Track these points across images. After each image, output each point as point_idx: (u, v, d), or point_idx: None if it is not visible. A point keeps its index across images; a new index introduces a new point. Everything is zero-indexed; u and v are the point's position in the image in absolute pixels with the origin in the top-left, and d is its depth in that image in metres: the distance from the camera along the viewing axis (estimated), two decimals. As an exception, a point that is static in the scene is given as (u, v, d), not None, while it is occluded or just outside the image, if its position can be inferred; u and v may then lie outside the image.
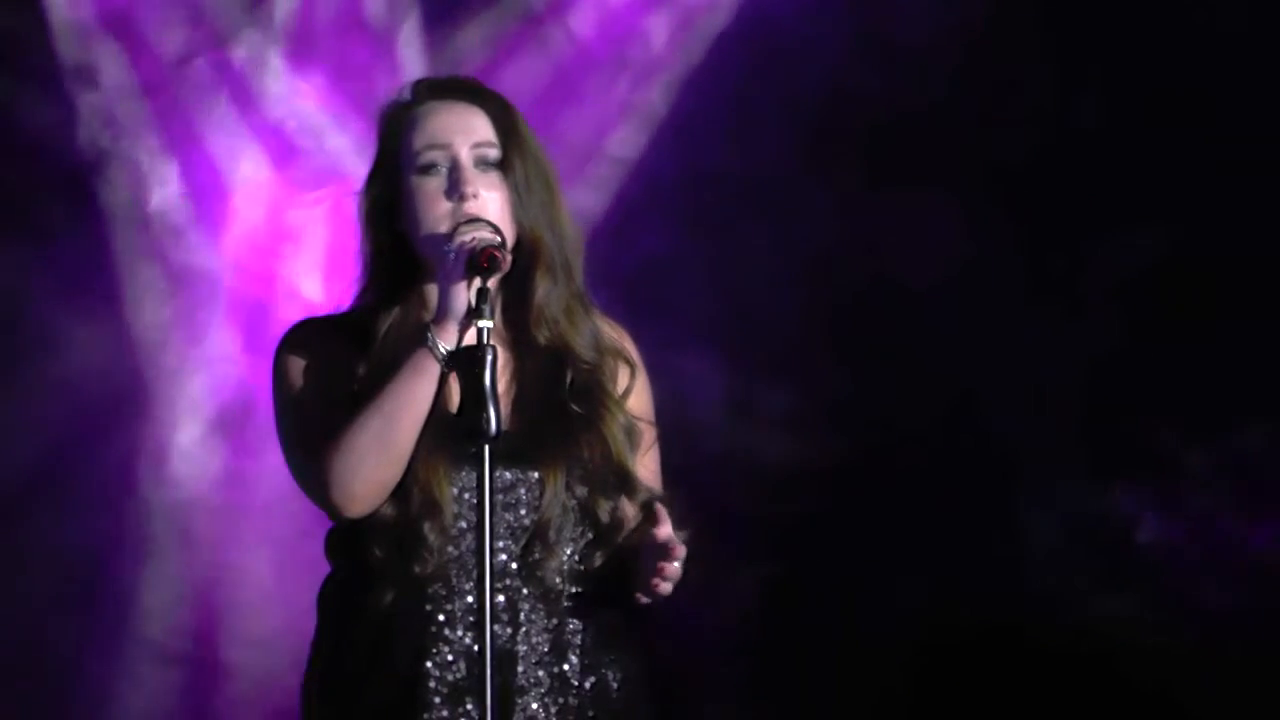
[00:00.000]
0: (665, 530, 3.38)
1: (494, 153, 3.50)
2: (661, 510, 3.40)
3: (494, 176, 3.49)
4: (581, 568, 3.48)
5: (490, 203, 3.47)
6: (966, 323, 5.86)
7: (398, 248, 3.51)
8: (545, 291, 3.51)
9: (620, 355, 3.58)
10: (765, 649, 5.97)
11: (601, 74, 6.08)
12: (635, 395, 3.57)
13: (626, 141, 6.07)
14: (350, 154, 6.00)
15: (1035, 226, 5.88)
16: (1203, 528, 5.85)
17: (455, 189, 3.46)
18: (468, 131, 3.51)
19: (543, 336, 3.51)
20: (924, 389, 5.88)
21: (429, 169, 3.49)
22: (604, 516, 3.48)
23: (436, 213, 3.46)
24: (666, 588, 3.39)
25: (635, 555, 3.44)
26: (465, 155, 3.48)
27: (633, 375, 3.57)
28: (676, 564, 3.37)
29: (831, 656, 5.95)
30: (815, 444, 5.87)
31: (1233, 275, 5.77)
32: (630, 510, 3.52)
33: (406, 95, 3.58)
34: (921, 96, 5.88)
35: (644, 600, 3.43)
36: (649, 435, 3.58)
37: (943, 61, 5.88)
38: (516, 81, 5.94)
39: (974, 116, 5.89)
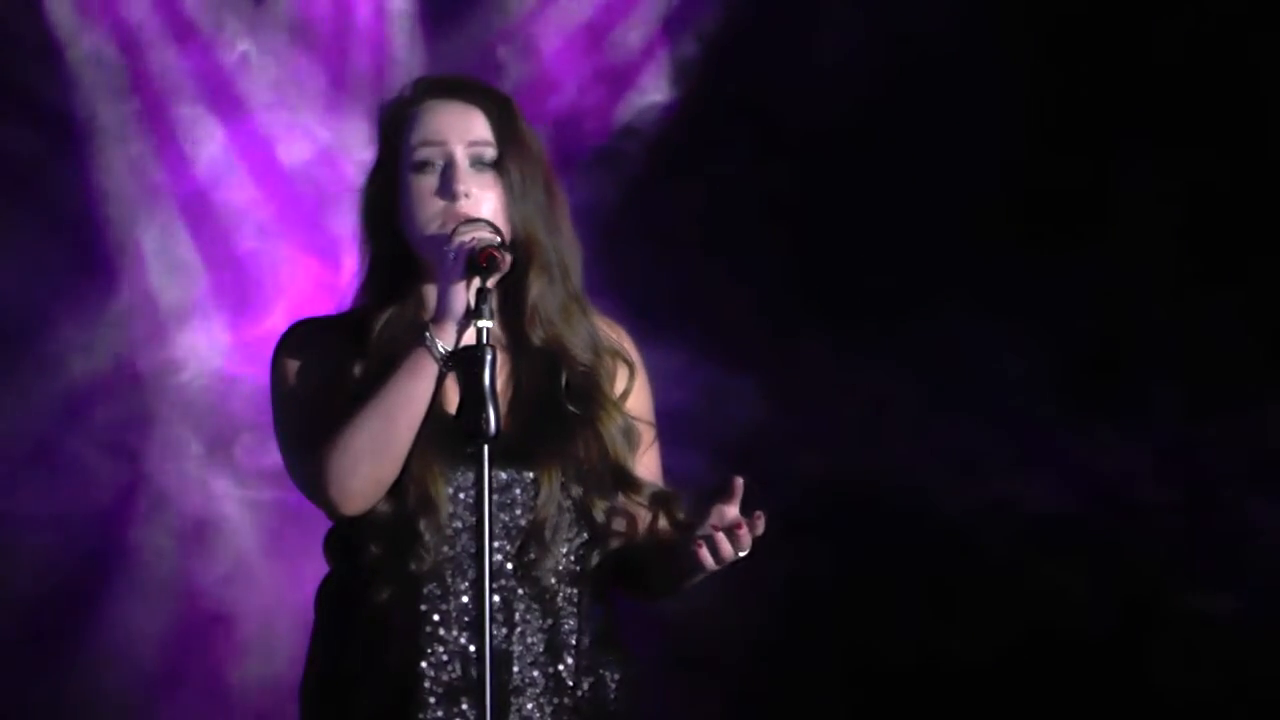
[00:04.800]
0: (732, 511, 3.33)
1: (490, 152, 3.49)
2: (739, 486, 3.34)
3: (489, 176, 3.48)
4: (577, 568, 3.48)
5: (483, 202, 3.46)
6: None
7: (396, 246, 3.50)
8: (539, 292, 3.50)
9: (619, 356, 3.57)
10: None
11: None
12: (634, 396, 3.56)
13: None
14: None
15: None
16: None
17: (447, 188, 3.45)
18: (464, 130, 3.50)
19: (537, 337, 3.50)
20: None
21: (424, 166, 3.48)
22: (599, 516, 3.48)
23: (429, 211, 3.45)
24: (724, 552, 3.32)
25: (671, 547, 3.42)
26: (460, 154, 3.48)
27: (631, 376, 3.57)
28: (744, 540, 3.32)
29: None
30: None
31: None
32: (637, 509, 3.52)
33: (407, 92, 3.57)
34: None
35: (707, 562, 3.34)
36: (648, 435, 3.58)
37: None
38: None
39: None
